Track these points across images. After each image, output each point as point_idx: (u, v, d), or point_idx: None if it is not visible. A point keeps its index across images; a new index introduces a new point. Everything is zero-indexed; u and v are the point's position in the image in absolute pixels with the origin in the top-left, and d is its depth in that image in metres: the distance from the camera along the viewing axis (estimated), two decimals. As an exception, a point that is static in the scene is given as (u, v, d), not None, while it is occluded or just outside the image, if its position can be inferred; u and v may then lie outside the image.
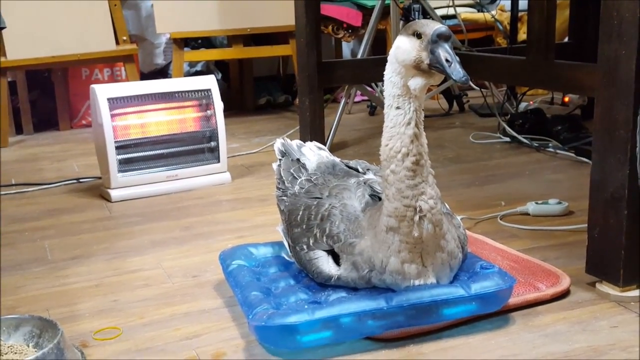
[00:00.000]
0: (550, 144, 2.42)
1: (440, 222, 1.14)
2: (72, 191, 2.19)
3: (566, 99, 3.03)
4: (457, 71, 1.02)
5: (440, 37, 1.04)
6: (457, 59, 1.02)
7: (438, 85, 2.85)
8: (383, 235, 1.14)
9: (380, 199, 1.22)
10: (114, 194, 2.04)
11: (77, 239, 1.73)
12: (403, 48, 1.07)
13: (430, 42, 1.04)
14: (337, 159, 1.43)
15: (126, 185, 2.06)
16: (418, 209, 1.12)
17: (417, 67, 1.07)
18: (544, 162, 2.27)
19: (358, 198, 1.25)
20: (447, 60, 1.03)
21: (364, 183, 1.28)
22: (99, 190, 2.14)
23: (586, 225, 1.55)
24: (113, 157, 2.03)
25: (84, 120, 3.27)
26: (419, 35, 1.06)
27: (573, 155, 2.29)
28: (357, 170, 1.37)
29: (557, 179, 2.08)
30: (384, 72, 1.13)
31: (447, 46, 1.04)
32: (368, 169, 1.37)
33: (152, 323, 1.26)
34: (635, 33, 1.14)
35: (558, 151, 2.35)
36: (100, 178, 2.16)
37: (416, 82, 1.08)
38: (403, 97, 1.11)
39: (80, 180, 2.28)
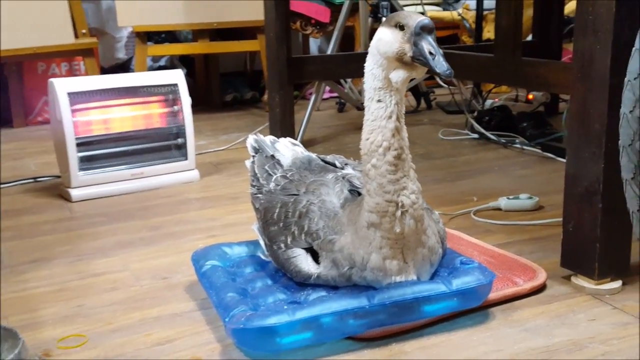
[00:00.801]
0: (517, 140, 2.44)
1: (422, 218, 1.13)
2: (29, 191, 2.10)
3: (530, 96, 3.05)
4: (441, 64, 1.00)
5: (424, 29, 1.02)
6: (441, 52, 1.00)
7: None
8: (364, 231, 1.12)
9: (359, 194, 1.20)
10: (75, 193, 1.97)
11: (37, 241, 1.66)
12: (385, 40, 1.05)
13: (413, 34, 1.02)
14: (313, 155, 1.41)
15: (88, 184, 1.99)
16: (400, 204, 1.09)
17: (400, 60, 1.04)
18: (511, 158, 2.29)
19: (337, 194, 1.22)
20: (430, 53, 1.01)
21: (343, 178, 1.26)
22: (58, 189, 2.06)
23: (558, 219, 1.57)
24: (73, 155, 1.95)
25: (40, 116, 3.18)
26: (401, 27, 1.04)
27: (539, 151, 2.31)
28: (334, 165, 1.35)
29: (525, 174, 2.09)
30: (365, 65, 1.10)
31: (430, 39, 1.02)
32: (346, 164, 1.35)
33: (120, 329, 1.20)
34: (610, 28, 1.14)
35: (525, 147, 2.37)
36: (59, 177, 2.09)
37: (398, 75, 1.06)
38: (384, 90, 1.08)
39: (38, 179, 2.20)
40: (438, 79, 3.43)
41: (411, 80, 1.11)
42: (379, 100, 1.09)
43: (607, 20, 1.14)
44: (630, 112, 0.82)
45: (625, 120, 0.83)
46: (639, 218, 0.84)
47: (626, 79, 0.83)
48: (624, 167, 0.84)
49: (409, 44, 1.03)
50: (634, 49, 0.83)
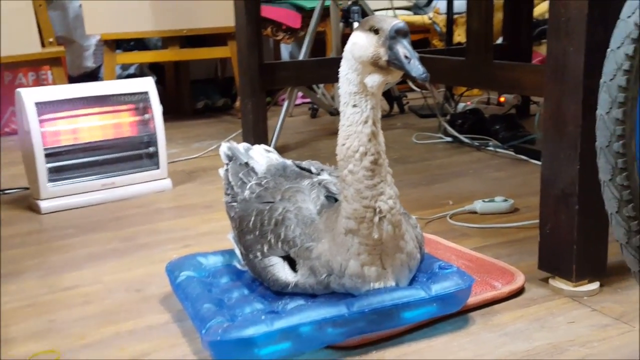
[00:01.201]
0: (490, 143, 2.45)
1: (400, 223, 1.11)
2: (-3, 204, 2.06)
3: (502, 99, 3.08)
4: (416, 68, 0.99)
5: (399, 33, 1.01)
6: (416, 55, 0.99)
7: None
8: (342, 237, 1.10)
9: (336, 200, 1.19)
10: (44, 205, 1.93)
11: (6, 255, 1.62)
12: (360, 44, 1.04)
13: (388, 38, 1.01)
14: (288, 161, 1.39)
15: (57, 196, 1.95)
16: (378, 210, 1.08)
17: (375, 64, 1.03)
18: (485, 160, 2.30)
19: (313, 200, 1.20)
20: (406, 57, 1.00)
21: (319, 184, 1.24)
22: (27, 201, 2.01)
23: (534, 221, 1.57)
24: (42, 166, 1.91)
25: (8, 127, 3.12)
26: (376, 31, 1.03)
27: (512, 153, 2.32)
28: (310, 171, 1.33)
29: (499, 176, 2.10)
30: (339, 70, 1.09)
31: (405, 42, 1.01)
32: (322, 170, 1.33)
33: (94, 344, 1.17)
34: (582, 30, 1.15)
35: (498, 150, 2.39)
36: (28, 189, 2.04)
37: (373, 79, 1.05)
38: (360, 95, 1.07)
39: (6, 191, 2.15)
40: (411, 83, 3.44)
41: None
42: (354, 105, 1.08)
43: (579, 22, 1.14)
44: (607, 113, 0.82)
45: (601, 122, 0.83)
46: (618, 220, 0.83)
47: (602, 81, 0.83)
48: (601, 168, 0.84)
49: (384, 48, 1.02)
50: (608, 50, 0.83)
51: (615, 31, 0.82)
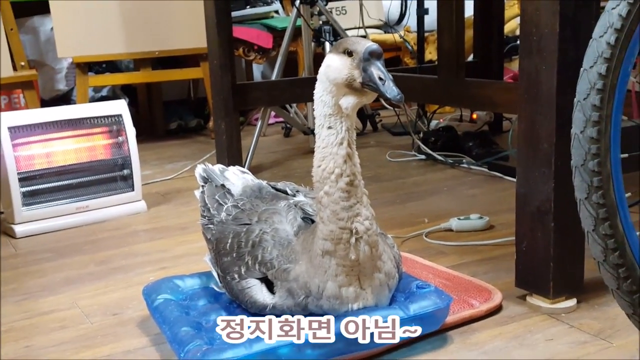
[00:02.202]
0: (464, 160, 2.46)
1: (376, 243, 1.12)
2: (-30, 228, 2.03)
3: (474, 116, 3.10)
4: (391, 89, 1.00)
5: (372, 55, 1.02)
6: (391, 77, 1.00)
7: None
8: (319, 259, 1.10)
9: (312, 221, 1.19)
10: (19, 229, 1.91)
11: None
12: (334, 66, 1.05)
13: (362, 60, 1.02)
14: (264, 182, 1.39)
15: (32, 220, 1.93)
16: (354, 231, 1.09)
17: (349, 86, 1.04)
18: (459, 177, 2.31)
19: (290, 222, 1.20)
20: (380, 79, 1.01)
21: (295, 206, 1.24)
22: (1, 226, 1.99)
23: (509, 238, 1.59)
24: (16, 190, 1.90)
25: (-20, 151, 3.08)
26: (349, 53, 1.04)
27: (486, 170, 2.34)
28: (285, 192, 1.34)
29: (474, 193, 2.11)
30: (314, 92, 1.09)
31: (379, 64, 1.02)
32: (297, 191, 1.34)
33: (71, 369, 1.16)
34: (554, 48, 1.16)
35: (472, 167, 2.40)
36: (2, 213, 2.02)
37: (348, 101, 1.06)
38: (335, 117, 1.08)
39: (-20, 216, 2.12)
40: (383, 101, 3.46)
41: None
42: (329, 127, 1.08)
43: (551, 40, 1.16)
44: (582, 132, 0.83)
45: (576, 141, 0.84)
46: (594, 238, 0.85)
47: (576, 100, 0.85)
48: (577, 187, 0.85)
49: (358, 70, 1.03)
50: (581, 69, 0.85)
51: (588, 50, 0.83)
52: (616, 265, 0.85)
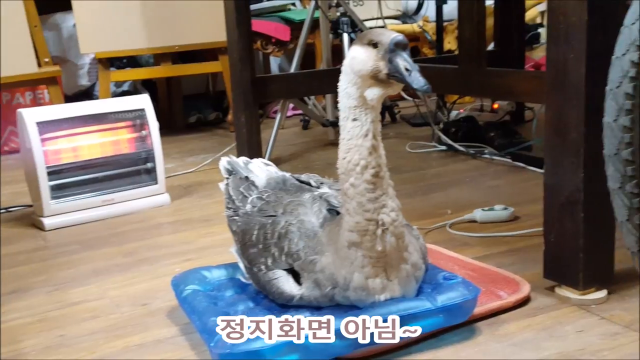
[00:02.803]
0: (485, 151, 2.45)
1: (403, 235, 1.12)
2: (1, 221, 2.05)
3: (495, 106, 3.08)
4: (417, 80, 0.99)
5: (398, 46, 1.01)
6: (417, 67, 1.00)
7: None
8: (345, 251, 1.11)
9: (338, 213, 1.19)
10: (48, 222, 1.94)
11: (13, 272, 1.62)
12: (359, 58, 1.04)
13: (387, 51, 1.02)
14: (288, 174, 1.39)
15: (60, 213, 1.95)
16: (380, 223, 1.09)
17: (375, 77, 1.04)
18: (482, 168, 2.30)
19: (315, 213, 1.20)
20: (406, 69, 1.00)
21: (320, 197, 1.24)
22: (30, 219, 2.02)
23: (535, 229, 1.58)
24: (45, 184, 1.92)
25: (7, 146, 3.12)
26: (375, 45, 1.03)
27: (509, 160, 2.32)
28: (309, 184, 1.34)
29: (497, 184, 2.10)
30: (338, 84, 1.09)
31: (405, 54, 1.01)
32: (322, 183, 1.34)
33: (104, 357, 1.17)
34: (583, 36, 1.15)
35: (494, 157, 2.38)
36: (31, 206, 2.05)
37: (373, 93, 1.05)
38: (359, 109, 1.07)
39: (9, 209, 2.15)
40: (402, 92, 3.45)
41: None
42: (354, 119, 1.08)
43: (579, 29, 1.14)
44: (614, 121, 0.82)
45: (609, 130, 0.83)
46: (628, 228, 0.84)
47: (607, 88, 0.84)
48: (610, 176, 0.84)
49: (383, 61, 1.03)
50: (613, 57, 0.84)
51: (620, 38, 0.82)
52: (650, 255, 0.84)
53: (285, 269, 1.18)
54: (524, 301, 1.27)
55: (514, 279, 1.33)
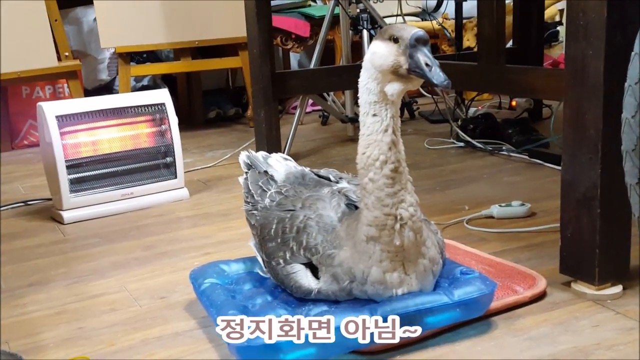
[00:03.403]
0: (503, 147, 2.45)
1: (421, 229, 1.13)
2: (20, 214, 2.09)
3: (514, 103, 3.07)
4: (438, 75, 1.00)
5: (419, 41, 1.02)
6: (437, 63, 1.01)
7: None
8: (363, 245, 1.12)
9: (356, 207, 1.20)
10: (67, 215, 1.96)
11: (32, 265, 1.65)
12: (380, 53, 1.05)
13: (408, 47, 1.02)
14: (307, 169, 1.40)
15: (79, 206, 1.98)
16: (399, 217, 1.09)
17: (395, 72, 1.05)
18: (499, 165, 2.30)
19: (333, 208, 1.21)
20: (427, 65, 1.01)
21: (338, 192, 1.25)
22: (49, 212, 2.05)
23: (552, 225, 1.58)
24: (64, 177, 1.95)
25: (26, 140, 3.16)
26: (395, 40, 1.04)
27: (527, 157, 2.32)
28: (328, 179, 1.35)
29: (514, 181, 2.10)
30: (359, 79, 1.10)
31: (426, 50, 1.02)
32: (340, 178, 1.34)
33: (123, 350, 1.19)
34: (602, 33, 1.15)
35: (512, 154, 2.38)
36: (50, 199, 2.08)
37: (393, 88, 1.06)
38: (380, 104, 1.08)
39: (29, 202, 2.19)
40: (421, 88, 3.45)
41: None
42: (374, 115, 1.09)
43: (598, 26, 1.14)
44: (633, 117, 0.82)
45: (627, 126, 0.84)
46: (645, 222, 0.84)
47: (627, 84, 0.84)
48: (627, 172, 0.85)
49: (404, 57, 1.03)
50: (633, 53, 0.84)
51: (639, 35, 0.82)
52: (666, 250, 0.84)
53: (303, 263, 1.19)
54: (540, 296, 1.27)
55: (531, 274, 1.34)
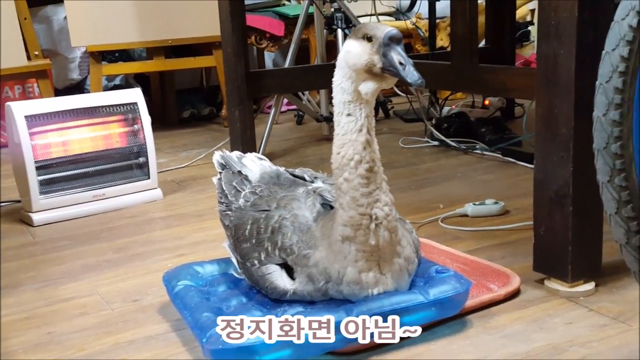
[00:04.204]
0: (477, 146, 2.46)
1: (396, 229, 1.12)
2: (-12, 217, 2.05)
3: (486, 102, 3.09)
4: (412, 74, 1.00)
5: (392, 40, 1.02)
6: (411, 61, 1.00)
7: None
8: (338, 245, 1.11)
9: (331, 207, 1.19)
10: (36, 217, 1.93)
11: (1, 268, 1.61)
12: (353, 52, 1.05)
13: (382, 45, 1.02)
14: (282, 169, 1.39)
15: (49, 208, 1.94)
16: (374, 217, 1.09)
17: (369, 71, 1.04)
18: (473, 164, 2.31)
19: (309, 208, 1.21)
20: (400, 63, 1.01)
21: (314, 192, 1.25)
22: (18, 214, 2.01)
23: (525, 223, 1.59)
24: (33, 178, 1.91)
25: (-4, 140, 3.11)
26: (369, 39, 1.04)
27: (500, 156, 2.34)
28: (303, 179, 1.34)
29: (488, 179, 2.11)
30: (333, 79, 1.09)
31: (399, 49, 1.02)
32: (315, 177, 1.34)
33: (94, 354, 1.17)
34: (573, 32, 1.16)
35: (485, 153, 2.40)
36: (19, 201, 2.04)
37: (367, 87, 1.06)
38: (354, 104, 1.08)
39: (-3, 204, 2.15)
40: (395, 88, 3.46)
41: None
42: (348, 114, 1.09)
43: (569, 24, 1.15)
44: (604, 115, 0.83)
45: (599, 124, 0.84)
46: (617, 220, 0.85)
47: (597, 83, 0.85)
48: (599, 170, 0.85)
49: (378, 55, 1.03)
50: (603, 52, 0.84)
51: (610, 33, 0.83)
52: (639, 247, 0.85)
53: (278, 264, 1.18)
54: (515, 294, 1.28)
55: (505, 271, 1.34)
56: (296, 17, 2.96)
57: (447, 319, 1.18)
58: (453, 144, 2.51)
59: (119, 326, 1.27)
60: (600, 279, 1.30)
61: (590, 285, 1.27)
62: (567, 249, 1.24)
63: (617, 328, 1.14)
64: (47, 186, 1.95)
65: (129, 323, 1.28)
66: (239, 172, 1.38)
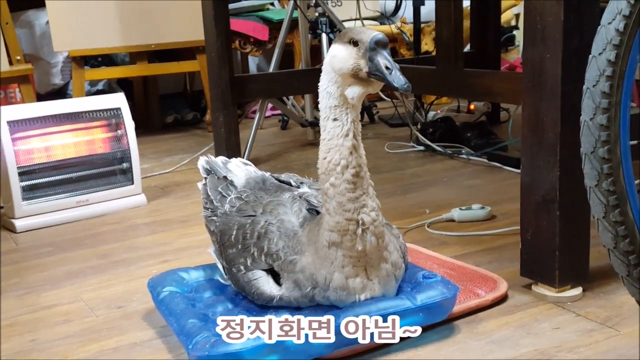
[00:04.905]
0: (462, 151, 2.46)
1: (383, 234, 1.12)
2: (-31, 223, 2.02)
3: (472, 107, 3.10)
4: (398, 78, 0.99)
5: (378, 44, 1.02)
6: (397, 66, 1.00)
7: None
8: (325, 250, 1.10)
9: (318, 212, 1.18)
10: (19, 223, 1.90)
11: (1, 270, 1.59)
12: (339, 56, 1.04)
13: (368, 50, 1.01)
14: (267, 174, 1.39)
15: (32, 214, 1.92)
16: (360, 222, 1.08)
17: (355, 76, 1.04)
18: (459, 168, 2.31)
19: (295, 213, 1.20)
20: (387, 68, 1.00)
21: (300, 197, 1.24)
22: (1, 220, 1.98)
23: (512, 228, 1.59)
24: (16, 184, 1.89)
25: (-23, 146, 3.06)
26: (355, 43, 1.03)
27: (486, 160, 2.34)
28: (289, 184, 1.33)
29: (474, 184, 2.11)
30: (319, 84, 1.09)
31: (385, 53, 1.02)
32: (302, 182, 1.33)
33: (79, 362, 1.16)
34: (559, 36, 1.16)
35: (471, 157, 2.40)
36: (1, 207, 2.01)
37: (354, 91, 1.05)
38: (340, 108, 1.07)
39: (-21, 211, 2.12)
40: (380, 92, 3.46)
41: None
42: (335, 119, 1.08)
43: (556, 29, 1.15)
44: (591, 119, 0.83)
45: (586, 128, 0.84)
46: (605, 225, 0.85)
47: (585, 87, 0.85)
48: (587, 174, 0.85)
49: (364, 60, 1.03)
50: (590, 56, 0.85)
51: (597, 37, 0.83)
52: (626, 252, 0.85)
53: (264, 270, 1.17)
54: (502, 299, 1.28)
55: (492, 277, 1.34)
56: (280, 22, 2.95)
57: (434, 325, 1.18)
58: (439, 148, 2.51)
59: (103, 333, 1.25)
60: (588, 284, 1.30)
61: (578, 290, 1.27)
62: (555, 253, 1.24)
63: (605, 333, 1.14)
64: (30, 192, 1.93)
65: (113, 330, 1.26)
66: (225, 177, 1.37)
